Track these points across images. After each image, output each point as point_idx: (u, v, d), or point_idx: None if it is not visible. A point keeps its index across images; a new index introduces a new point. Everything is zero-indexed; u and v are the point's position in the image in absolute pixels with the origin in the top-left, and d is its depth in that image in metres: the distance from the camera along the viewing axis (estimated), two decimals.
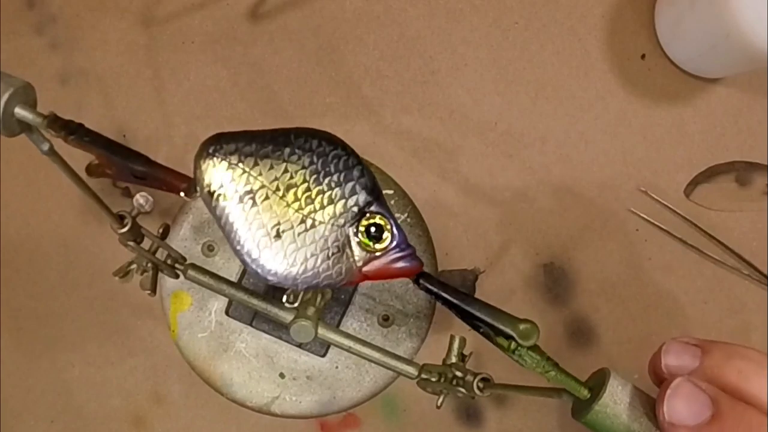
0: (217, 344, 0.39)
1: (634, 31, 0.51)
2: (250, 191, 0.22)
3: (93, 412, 0.51)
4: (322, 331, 0.31)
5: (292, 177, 0.22)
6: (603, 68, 0.51)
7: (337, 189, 0.22)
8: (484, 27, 0.51)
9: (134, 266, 0.31)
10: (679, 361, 0.26)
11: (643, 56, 0.51)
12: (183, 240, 0.39)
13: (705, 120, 0.50)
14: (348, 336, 0.32)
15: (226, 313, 0.39)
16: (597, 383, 0.26)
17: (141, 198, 0.28)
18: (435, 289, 0.24)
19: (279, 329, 0.38)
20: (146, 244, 0.30)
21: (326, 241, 0.23)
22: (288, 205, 0.22)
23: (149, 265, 0.31)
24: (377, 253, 0.23)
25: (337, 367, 0.39)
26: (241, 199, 0.22)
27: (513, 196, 0.50)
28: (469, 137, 0.51)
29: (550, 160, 0.50)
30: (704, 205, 0.50)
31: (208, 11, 0.52)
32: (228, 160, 0.22)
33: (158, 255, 0.31)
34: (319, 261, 0.23)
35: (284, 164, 0.22)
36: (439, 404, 0.31)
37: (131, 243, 0.29)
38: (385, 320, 0.39)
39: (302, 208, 0.22)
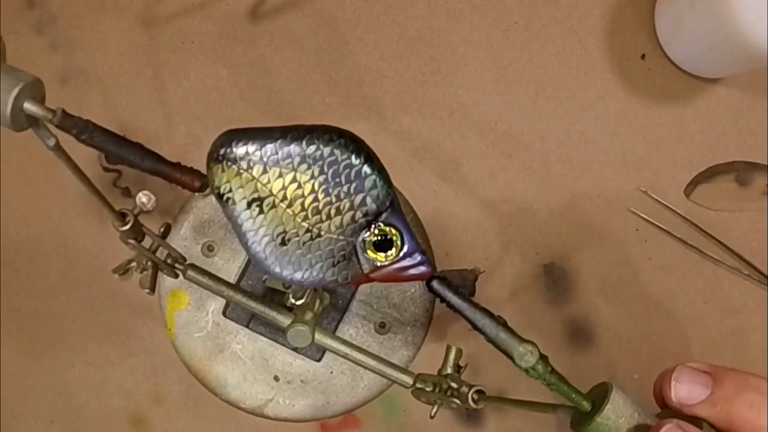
0: (213, 345, 0.39)
1: (634, 31, 0.51)
2: (258, 198, 0.22)
3: (93, 412, 0.51)
4: (319, 337, 0.31)
5: (300, 187, 0.21)
6: (603, 68, 0.51)
7: (345, 200, 0.21)
8: (484, 27, 0.51)
9: (134, 264, 0.31)
10: (689, 393, 0.26)
11: (643, 56, 0.51)
12: (183, 239, 0.39)
13: (705, 120, 0.50)
14: (344, 342, 0.32)
15: (224, 314, 0.39)
16: (598, 396, 0.26)
17: (144, 196, 0.28)
18: (446, 295, 0.24)
19: (275, 332, 0.38)
20: (147, 242, 0.30)
21: (332, 250, 0.22)
22: (294, 215, 0.22)
23: (149, 263, 0.31)
24: (385, 262, 0.23)
25: (331, 373, 0.39)
26: (248, 205, 0.22)
27: (513, 195, 0.50)
28: (469, 137, 0.51)
29: (550, 160, 0.50)
30: (704, 205, 0.50)
31: (208, 11, 0.52)
32: (237, 165, 0.21)
33: (158, 254, 0.31)
34: (324, 268, 0.23)
35: (293, 173, 0.21)
36: (432, 414, 0.31)
37: (132, 241, 0.29)
38: (382, 327, 0.39)
39: (309, 218, 0.22)
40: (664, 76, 0.51)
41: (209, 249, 0.39)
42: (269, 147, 0.21)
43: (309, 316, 0.30)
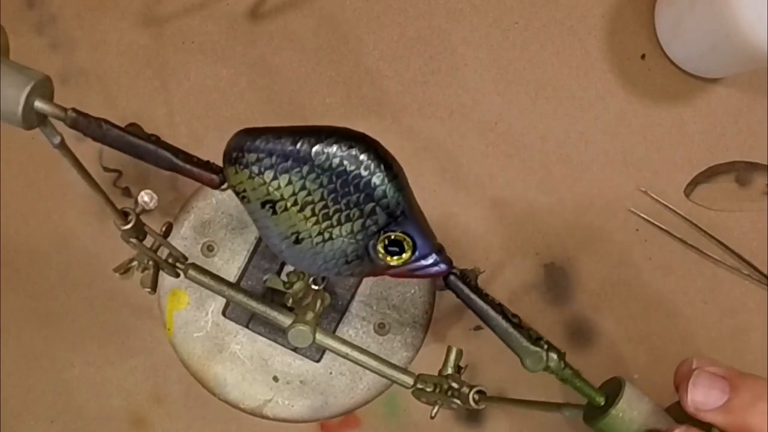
0: (212, 344, 0.39)
1: (634, 31, 0.51)
2: (270, 201, 0.22)
3: (93, 412, 0.51)
4: (320, 337, 0.31)
5: (309, 194, 0.21)
6: (603, 68, 0.51)
7: (355, 209, 0.21)
8: (484, 27, 0.51)
9: (135, 264, 0.31)
10: (706, 398, 0.26)
11: (643, 56, 0.51)
12: (183, 239, 0.39)
13: (705, 120, 0.50)
14: (345, 342, 0.32)
15: (223, 314, 0.39)
16: (611, 390, 0.27)
17: (146, 195, 0.28)
18: (462, 292, 0.24)
19: (275, 333, 0.38)
20: (148, 242, 0.30)
21: (345, 251, 0.23)
22: (306, 219, 0.22)
23: (150, 263, 0.31)
24: (398, 264, 0.23)
25: (331, 373, 0.39)
26: (262, 206, 0.22)
27: (513, 196, 0.50)
28: (469, 137, 0.51)
29: (550, 160, 0.50)
30: (704, 205, 0.50)
31: (208, 11, 0.52)
32: (249, 170, 0.21)
33: (159, 253, 0.31)
34: (338, 264, 0.23)
35: (302, 181, 0.21)
36: (433, 415, 0.31)
37: (133, 240, 0.29)
38: (381, 328, 0.39)
39: (320, 223, 0.22)
40: (664, 76, 0.51)
41: (209, 249, 0.39)
42: (279, 153, 0.21)
43: (310, 316, 0.30)
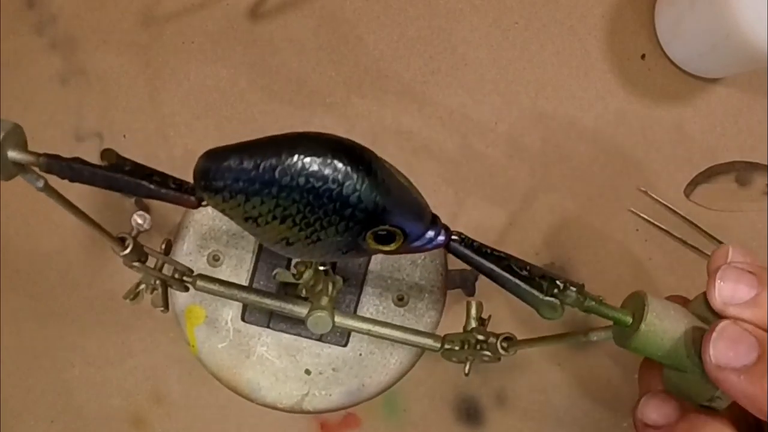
0: (239, 352, 0.38)
1: (634, 31, 0.51)
2: (251, 217, 0.22)
3: (93, 412, 0.51)
4: (339, 319, 0.31)
5: (285, 209, 0.21)
6: (603, 68, 0.51)
7: (334, 215, 0.21)
8: (484, 27, 0.51)
9: (143, 286, 0.31)
10: (734, 293, 0.25)
11: (643, 56, 0.51)
12: (187, 254, 0.38)
13: (705, 120, 0.50)
14: (365, 320, 0.31)
15: (242, 319, 0.38)
16: (636, 307, 0.26)
17: (138, 218, 0.28)
18: (465, 255, 0.24)
19: (297, 326, 0.38)
20: (151, 262, 0.30)
21: (337, 245, 0.22)
22: (289, 228, 0.22)
23: (157, 282, 0.31)
24: (392, 250, 0.23)
25: (360, 355, 0.38)
26: (245, 221, 0.22)
27: (513, 196, 0.50)
28: (469, 137, 0.51)
29: (550, 160, 0.50)
30: (704, 205, 0.50)
31: (208, 11, 0.52)
32: (221, 195, 0.21)
33: (165, 271, 0.31)
34: (335, 255, 0.23)
35: (275, 200, 0.21)
36: (466, 371, 0.31)
37: (136, 263, 0.29)
38: (400, 300, 0.38)
39: (304, 230, 0.22)
40: (664, 76, 0.51)
41: (215, 258, 0.38)
42: (245, 179, 0.20)
43: (325, 301, 0.29)
